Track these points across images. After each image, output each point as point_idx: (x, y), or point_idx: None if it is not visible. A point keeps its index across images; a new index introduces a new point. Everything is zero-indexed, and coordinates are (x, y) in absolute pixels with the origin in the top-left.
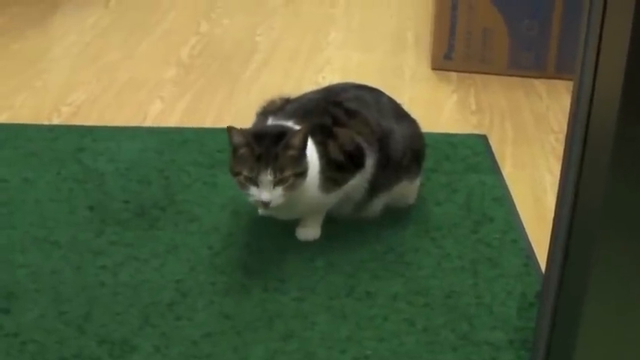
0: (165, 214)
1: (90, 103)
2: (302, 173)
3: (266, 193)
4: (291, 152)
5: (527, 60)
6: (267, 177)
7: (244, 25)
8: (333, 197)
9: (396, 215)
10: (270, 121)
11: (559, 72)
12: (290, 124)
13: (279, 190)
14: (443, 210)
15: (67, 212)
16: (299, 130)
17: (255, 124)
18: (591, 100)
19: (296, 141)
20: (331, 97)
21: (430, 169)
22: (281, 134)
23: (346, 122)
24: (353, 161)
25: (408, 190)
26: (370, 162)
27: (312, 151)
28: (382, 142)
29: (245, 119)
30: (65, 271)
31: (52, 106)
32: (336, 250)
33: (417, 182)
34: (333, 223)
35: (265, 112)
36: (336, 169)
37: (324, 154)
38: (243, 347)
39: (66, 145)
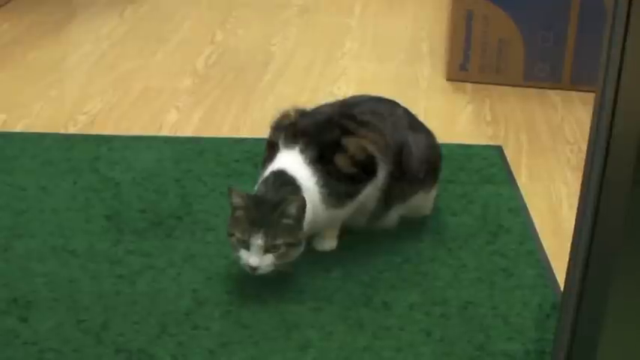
0: (182, 223)
1: (106, 112)
2: (294, 244)
3: (255, 257)
4: (286, 221)
5: (542, 71)
6: (258, 241)
7: (259, 35)
8: (348, 209)
9: (412, 226)
10: (280, 142)
11: (574, 83)
12: (296, 150)
13: (269, 257)
14: (459, 221)
15: (84, 221)
16: (295, 199)
17: (269, 146)
18: (613, 112)
19: (292, 210)
20: (345, 110)
21: (446, 180)
22: (279, 200)
23: (356, 131)
24: (364, 170)
25: (424, 201)
26: (383, 172)
27: (312, 178)
28: (397, 155)
29: (260, 129)
30: (82, 280)
31: (68, 115)
32: (352, 261)
33: (433, 193)
34: (349, 233)
35: (279, 127)
36: (348, 182)
37: (332, 172)
38: (261, 357)
39: (82, 154)
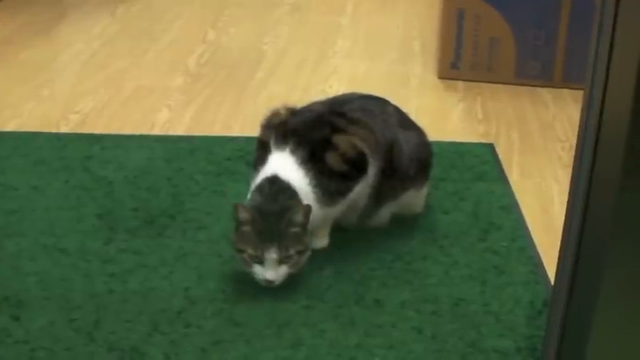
0: (173, 222)
1: (98, 111)
2: (304, 251)
3: (271, 271)
4: (294, 229)
5: (533, 69)
6: (272, 255)
7: (251, 33)
8: (340, 207)
9: (404, 224)
10: (271, 143)
11: (565, 81)
12: (287, 151)
13: (283, 269)
14: (450, 218)
15: (76, 220)
16: (301, 207)
17: (259, 145)
18: (601, 110)
19: (299, 218)
20: (335, 108)
21: (437, 177)
22: (284, 209)
23: (346, 128)
24: (355, 168)
25: (415, 198)
26: (373, 169)
27: (305, 179)
28: (388, 152)
29: (252, 127)
30: (74, 279)
31: (60, 115)
32: (344, 259)
33: (424, 191)
34: (341, 232)
35: (269, 125)
36: (340, 180)
37: (324, 170)
38: (253, 355)
39: (74, 153)
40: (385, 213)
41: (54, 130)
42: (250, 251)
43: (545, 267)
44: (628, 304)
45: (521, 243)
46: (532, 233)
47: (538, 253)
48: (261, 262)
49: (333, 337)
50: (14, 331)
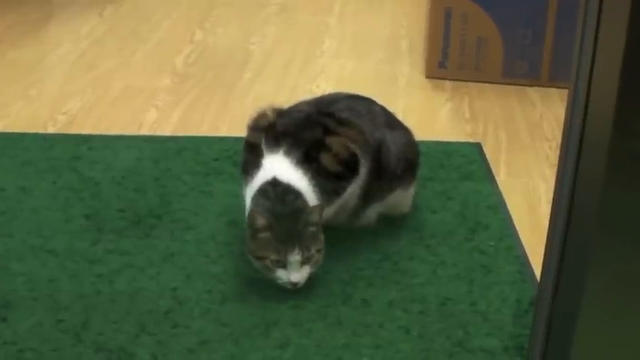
0: (161, 222)
1: (85, 111)
2: (321, 249)
3: (295, 273)
4: (312, 229)
5: (521, 68)
6: (296, 257)
7: (238, 33)
8: (334, 207)
9: (392, 223)
10: (263, 146)
11: (553, 80)
12: (281, 153)
13: (306, 269)
14: (438, 218)
15: (63, 221)
16: (316, 207)
17: (248, 147)
18: (586, 108)
19: (315, 217)
20: (323, 108)
21: (425, 177)
22: (298, 211)
23: (337, 130)
24: (348, 168)
25: (402, 198)
26: (363, 170)
27: (304, 179)
28: (376, 152)
29: (240, 128)
30: (62, 280)
31: (47, 115)
32: (332, 258)
33: (412, 191)
34: (328, 231)
35: (256, 127)
36: (335, 180)
37: (320, 171)
38: (240, 355)
39: (62, 153)
40: (372, 213)
41: (41, 131)
42: (273, 257)
43: (532, 266)
44: (613, 302)
45: (508, 242)
46: (519, 232)
47: (525, 252)
48: (284, 265)
49: (321, 336)
50: (2, 332)
